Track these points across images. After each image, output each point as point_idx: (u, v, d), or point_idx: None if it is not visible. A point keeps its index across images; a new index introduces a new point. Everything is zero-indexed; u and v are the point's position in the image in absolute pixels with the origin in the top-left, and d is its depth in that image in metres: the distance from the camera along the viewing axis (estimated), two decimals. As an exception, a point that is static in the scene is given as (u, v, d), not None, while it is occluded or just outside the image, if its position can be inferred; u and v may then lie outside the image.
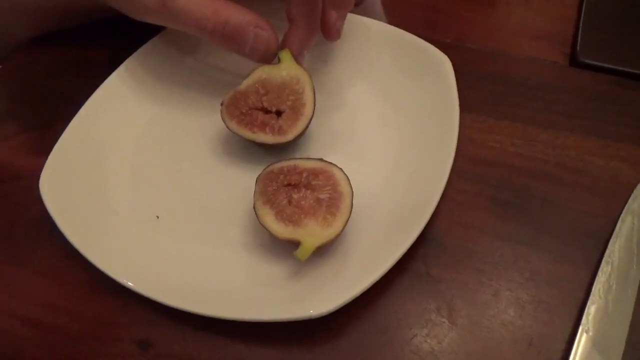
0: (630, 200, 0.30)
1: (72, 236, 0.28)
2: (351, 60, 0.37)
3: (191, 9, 0.30)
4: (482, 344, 0.27)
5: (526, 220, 0.31)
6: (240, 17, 0.30)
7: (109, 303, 0.29)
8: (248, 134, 0.32)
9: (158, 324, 0.28)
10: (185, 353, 0.27)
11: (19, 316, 0.29)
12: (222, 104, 0.32)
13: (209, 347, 0.27)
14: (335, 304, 0.26)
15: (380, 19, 0.37)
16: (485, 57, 0.38)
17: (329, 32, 0.33)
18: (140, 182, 0.33)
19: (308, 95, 0.32)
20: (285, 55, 0.32)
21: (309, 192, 0.29)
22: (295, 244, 0.28)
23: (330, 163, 0.30)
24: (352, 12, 0.34)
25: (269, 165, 0.30)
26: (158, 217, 0.31)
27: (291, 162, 0.30)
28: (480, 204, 0.31)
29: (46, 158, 0.31)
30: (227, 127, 0.32)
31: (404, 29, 0.36)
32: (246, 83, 0.32)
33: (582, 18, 0.40)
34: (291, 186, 0.29)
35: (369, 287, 0.26)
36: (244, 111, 0.32)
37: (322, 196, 0.29)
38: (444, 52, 0.34)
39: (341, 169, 0.30)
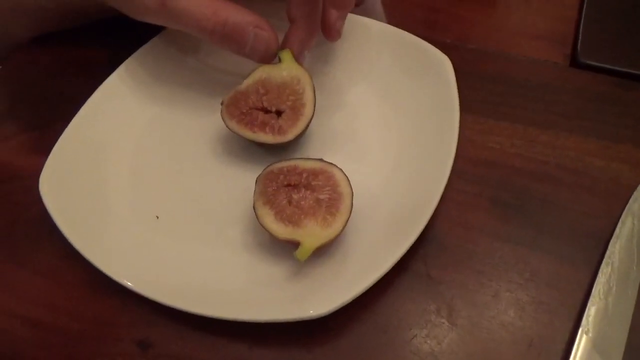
0: (630, 202, 0.30)
1: (71, 236, 0.28)
2: (351, 61, 0.37)
3: (191, 9, 0.30)
4: (482, 344, 0.27)
5: (526, 221, 0.31)
6: (240, 17, 0.30)
7: (108, 303, 0.29)
8: (248, 133, 0.32)
9: (158, 324, 0.28)
10: (185, 353, 0.27)
11: (19, 316, 0.29)
12: (222, 104, 0.32)
13: (208, 348, 0.27)
14: (335, 305, 0.26)
15: (380, 19, 0.37)
16: (485, 57, 0.38)
17: (330, 32, 0.33)
18: (140, 183, 0.33)
19: (308, 96, 0.32)
20: (286, 55, 0.32)
21: (308, 192, 0.29)
22: (295, 245, 0.28)
23: (330, 163, 0.30)
24: (352, 12, 0.34)
25: (268, 166, 0.30)
26: (158, 217, 0.31)
27: (291, 163, 0.30)
28: (481, 205, 0.31)
29: (46, 158, 0.31)
30: (227, 126, 0.32)
31: (404, 29, 0.36)
32: (246, 83, 0.32)
33: (582, 18, 0.40)
34: (291, 186, 0.29)
35: (368, 287, 0.26)
36: (244, 111, 0.32)
37: (322, 197, 0.29)
38: (444, 52, 0.34)
39: (341, 170, 0.30)
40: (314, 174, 0.29)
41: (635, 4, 0.41)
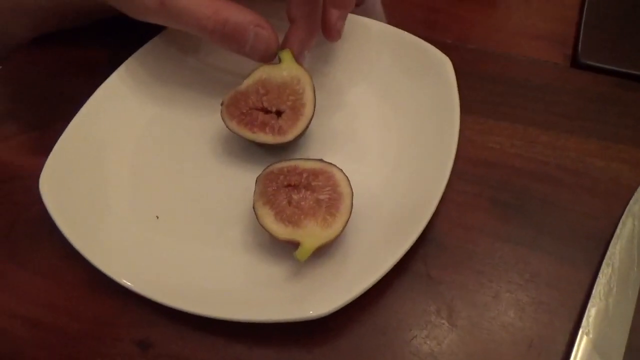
0: (631, 203, 0.30)
1: (71, 236, 0.28)
2: (352, 61, 0.37)
3: (191, 9, 0.30)
4: (482, 345, 0.27)
5: (526, 221, 0.31)
6: (240, 16, 0.30)
7: (108, 303, 0.29)
8: (248, 134, 0.32)
9: (158, 324, 0.28)
10: (185, 353, 0.27)
11: (19, 316, 0.29)
12: (222, 104, 0.32)
13: (208, 348, 0.27)
14: (335, 305, 0.26)
15: (380, 20, 0.37)
16: (485, 57, 0.38)
17: (330, 32, 0.33)
18: (140, 182, 0.33)
19: (308, 96, 0.32)
20: (286, 56, 0.32)
21: (308, 192, 0.29)
22: (294, 245, 0.28)
23: (330, 164, 0.30)
24: (352, 12, 0.34)
25: (269, 166, 0.30)
26: (158, 217, 0.31)
27: (291, 163, 0.30)
28: (481, 205, 0.31)
29: (46, 158, 0.31)
30: (227, 127, 0.32)
31: (404, 30, 0.36)
32: (246, 83, 0.32)
33: (583, 19, 0.40)
34: (291, 187, 0.29)
35: (368, 288, 0.26)
36: (244, 111, 0.32)
37: (322, 197, 0.29)
38: (444, 52, 0.34)
39: (341, 170, 0.30)
40: (314, 174, 0.29)
41: (636, 4, 0.41)
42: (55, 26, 0.40)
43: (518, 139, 0.34)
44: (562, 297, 0.28)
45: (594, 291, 0.27)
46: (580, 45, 0.38)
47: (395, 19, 0.41)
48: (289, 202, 0.29)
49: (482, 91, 0.36)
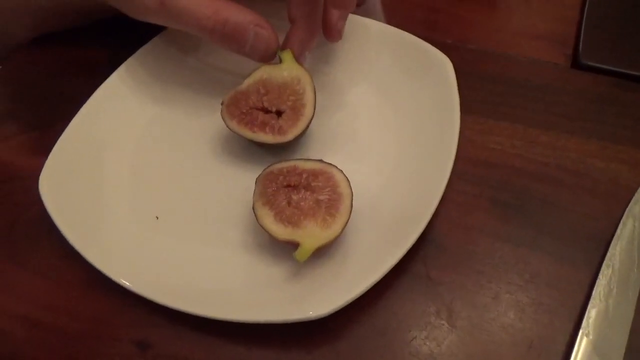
0: (631, 203, 0.30)
1: (71, 236, 0.28)
2: (352, 61, 0.37)
3: (191, 9, 0.30)
4: (482, 346, 0.27)
5: (526, 222, 0.31)
6: (240, 16, 0.30)
7: (108, 303, 0.29)
8: (248, 133, 0.32)
9: (157, 324, 0.28)
10: (184, 354, 0.27)
11: (18, 316, 0.29)
12: (222, 103, 0.32)
13: (207, 348, 0.27)
14: (334, 306, 0.26)
15: (379, 20, 0.37)
16: (485, 58, 0.38)
17: (331, 33, 0.33)
18: (140, 182, 0.33)
19: (309, 96, 0.32)
20: (287, 56, 0.32)
21: (308, 193, 0.29)
22: (294, 245, 0.28)
23: (330, 164, 0.30)
24: (352, 12, 0.34)
25: (268, 166, 0.30)
26: (157, 218, 0.31)
27: (291, 163, 0.30)
28: (481, 206, 0.31)
29: (46, 158, 0.31)
30: (227, 126, 0.32)
31: (404, 30, 0.36)
32: (247, 83, 0.32)
33: (584, 19, 0.40)
34: (291, 187, 0.29)
35: (368, 288, 0.26)
36: (244, 111, 0.32)
37: (321, 197, 0.29)
38: (444, 52, 0.34)
39: (341, 171, 0.30)
40: (314, 174, 0.29)
41: (636, 4, 0.41)
42: (55, 26, 0.40)
43: (518, 139, 0.34)
44: (562, 298, 0.28)
45: (594, 292, 0.27)
46: (580, 46, 0.38)
47: (396, 19, 0.41)
48: (289, 203, 0.29)
49: (482, 91, 0.36)
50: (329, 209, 0.28)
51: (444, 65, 0.33)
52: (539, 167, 0.33)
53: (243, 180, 0.32)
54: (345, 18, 0.33)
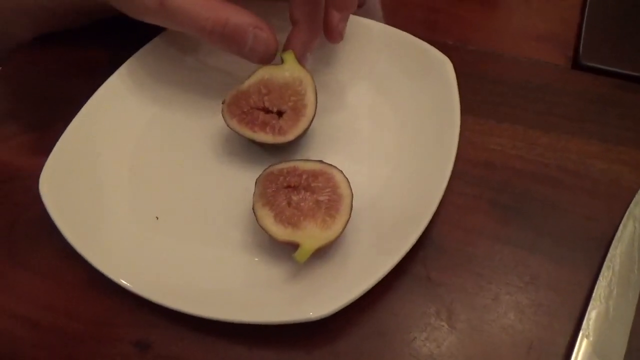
0: (632, 205, 0.30)
1: (71, 236, 0.28)
2: (352, 62, 0.37)
3: (190, 9, 0.30)
4: (482, 347, 0.27)
5: (526, 223, 0.31)
6: (239, 18, 0.30)
7: (108, 304, 0.29)
8: (248, 132, 0.32)
9: (157, 325, 0.28)
10: (184, 354, 0.27)
11: (18, 316, 0.29)
12: (223, 102, 0.32)
13: (207, 349, 0.27)
14: (334, 307, 0.26)
15: (379, 21, 0.37)
16: (486, 58, 0.38)
17: (332, 34, 0.33)
18: (139, 183, 0.33)
19: (310, 97, 0.32)
20: (289, 57, 0.32)
21: (308, 194, 0.29)
22: (294, 246, 0.28)
23: (330, 165, 0.30)
24: (353, 13, 0.34)
25: (268, 167, 0.30)
26: (157, 218, 0.31)
27: (291, 164, 0.30)
28: (481, 207, 0.31)
29: (46, 158, 0.31)
30: (227, 125, 0.32)
31: (404, 31, 0.36)
32: (248, 82, 0.32)
33: (584, 20, 0.40)
34: (291, 188, 0.29)
35: (368, 289, 0.26)
36: (245, 110, 0.32)
37: (321, 198, 0.29)
38: (444, 53, 0.34)
39: (341, 171, 0.30)
40: (314, 175, 0.29)
41: (636, 5, 0.41)
42: (55, 26, 0.40)
43: (519, 141, 0.34)
44: (562, 299, 0.28)
45: (594, 294, 0.27)
46: (581, 47, 0.38)
47: (396, 19, 0.41)
48: (289, 204, 0.29)
49: (482, 92, 0.36)
50: (329, 210, 0.28)
51: (444, 66, 0.33)
52: (539, 169, 0.33)
53: (243, 180, 0.32)
54: (346, 20, 0.33)
